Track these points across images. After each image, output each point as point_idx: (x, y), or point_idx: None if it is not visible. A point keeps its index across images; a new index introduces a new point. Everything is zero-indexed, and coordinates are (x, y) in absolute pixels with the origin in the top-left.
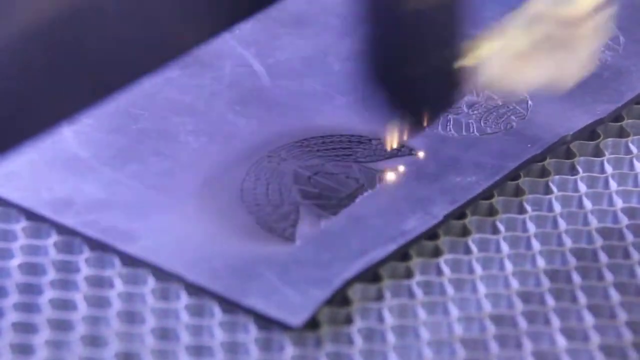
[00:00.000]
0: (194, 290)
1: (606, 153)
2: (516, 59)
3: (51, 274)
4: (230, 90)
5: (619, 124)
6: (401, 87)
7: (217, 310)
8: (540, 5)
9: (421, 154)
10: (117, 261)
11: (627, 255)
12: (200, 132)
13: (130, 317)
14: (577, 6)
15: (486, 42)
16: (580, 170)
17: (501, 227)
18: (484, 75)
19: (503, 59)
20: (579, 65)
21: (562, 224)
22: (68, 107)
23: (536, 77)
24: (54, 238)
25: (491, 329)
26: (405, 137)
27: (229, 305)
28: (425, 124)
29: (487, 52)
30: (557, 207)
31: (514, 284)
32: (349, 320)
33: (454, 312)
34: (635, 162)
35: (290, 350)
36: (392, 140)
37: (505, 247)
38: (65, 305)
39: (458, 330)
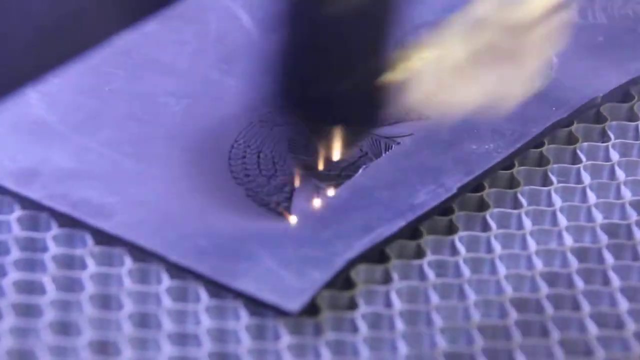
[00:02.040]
0: (177, 271)
1: None
2: (453, 73)
3: (15, 253)
4: (216, 46)
5: None
6: (316, 107)
7: (203, 293)
8: (483, 9)
9: (432, 119)
10: (89, 239)
11: None
12: (182, 94)
13: (105, 302)
14: (526, 10)
15: (418, 53)
16: (611, 136)
17: (523, 201)
18: (415, 92)
19: (438, 73)
20: (527, 80)
21: (592, 197)
22: (32, 66)
23: (476, 94)
24: (17, 213)
25: (513, 314)
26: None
27: (217, 288)
28: (344, 149)
29: (419, 64)
30: (586, 178)
31: (538, 264)
32: (352, 305)
33: (471, 295)
34: None
35: (286, 338)
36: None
37: (527, 223)
38: (32, 288)
39: (475, 316)
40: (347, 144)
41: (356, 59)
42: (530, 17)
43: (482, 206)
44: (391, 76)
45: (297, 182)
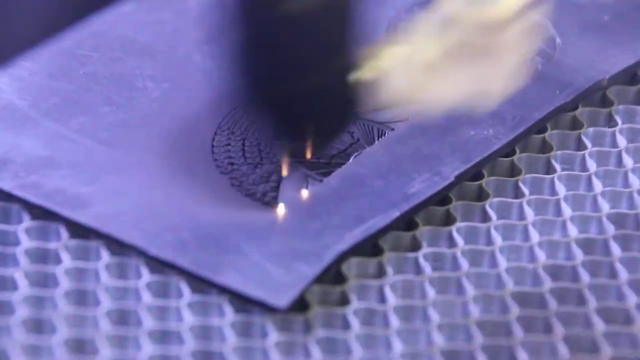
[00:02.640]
0: (157, 265)
1: None
2: (426, 71)
3: None
4: (197, 26)
5: None
6: (279, 109)
7: (185, 289)
8: (456, 5)
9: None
10: (63, 231)
11: None
12: (161, 78)
13: (81, 298)
14: (497, 8)
15: (388, 50)
16: (619, 120)
17: (525, 190)
18: (386, 92)
19: (409, 71)
20: (504, 77)
21: (598, 185)
22: (2, 48)
23: (451, 92)
24: None
25: (514, 309)
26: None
27: (200, 283)
28: (308, 154)
29: (390, 62)
30: (592, 165)
31: (541, 256)
32: (343, 301)
33: (470, 290)
34: None
35: (274, 336)
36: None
37: (529, 213)
38: (3, 284)
39: (475, 311)
40: (315, 146)
41: (322, 57)
42: (502, 14)
43: (481, 195)
44: (361, 74)
45: (284, 171)
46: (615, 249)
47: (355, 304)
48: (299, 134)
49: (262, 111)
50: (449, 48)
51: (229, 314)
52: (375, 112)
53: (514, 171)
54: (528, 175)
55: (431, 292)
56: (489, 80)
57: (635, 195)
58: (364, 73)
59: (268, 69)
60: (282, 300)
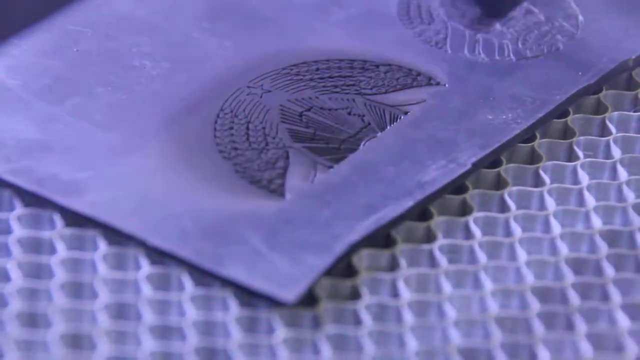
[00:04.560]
0: (158, 256)
1: None
2: None
3: None
4: (197, 1)
5: None
6: None
7: (187, 281)
8: None
9: (443, 84)
10: (58, 219)
11: None
12: (159, 56)
13: (78, 291)
14: None
15: None
16: None
17: (546, 178)
18: None
19: None
20: None
21: (623, 173)
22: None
23: None
24: None
25: (534, 305)
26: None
27: (203, 276)
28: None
29: None
30: (617, 152)
31: (563, 249)
32: (354, 295)
33: (487, 284)
34: None
35: (281, 332)
36: (406, 66)
37: (551, 203)
38: None
39: (493, 307)
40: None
41: None
42: None
43: (500, 184)
44: None
45: (291, 157)
46: None
47: (366, 298)
48: None
49: None
50: None
51: (234, 308)
52: None
53: (534, 158)
54: (549, 163)
55: (447, 286)
56: None
57: None
58: None
59: None
60: (290, 294)
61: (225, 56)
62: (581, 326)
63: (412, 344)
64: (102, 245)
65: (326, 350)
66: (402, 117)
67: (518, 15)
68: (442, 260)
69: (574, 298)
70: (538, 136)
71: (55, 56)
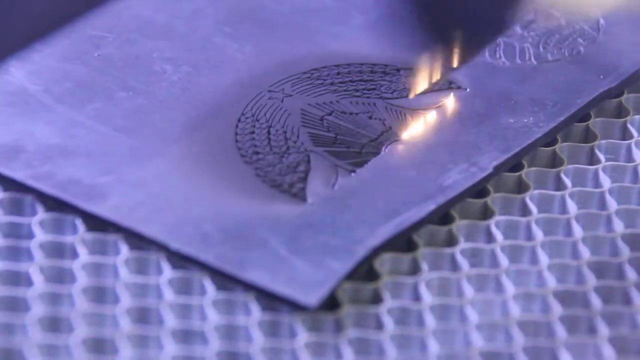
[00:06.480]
0: (179, 261)
1: None
2: None
3: None
4: (217, 6)
5: None
6: (442, 2)
7: (209, 286)
8: None
9: (464, 88)
10: (80, 224)
11: None
12: (180, 61)
13: (100, 295)
14: None
15: None
16: None
17: (567, 181)
18: None
19: None
20: None
21: None
22: (12, 32)
23: None
24: None
25: (557, 309)
26: (444, 66)
27: (224, 280)
28: (470, 51)
29: None
30: (638, 156)
31: (585, 252)
32: (376, 299)
33: (510, 288)
34: None
35: (303, 336)
36: (428, 71)
37: (572, 207)
38: (17, 279)
39: (515, 310)
40: (468, 50)
41: None
42: None
43: (521, 187)
44: None
45: (312, 161)
46: None
47: (388, 302)
48: (461, 30)
49: (426, 7)
50: None
51: (256, 312)
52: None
53: (555, 161)
54: (570, 166)
55: (469, 290)
56: None
57: None
58: None
59: None
60: (312, 298)
61: (246, 60)
62: (603, 330)
63: (433, 347)
64: (124, 250)
65: (348, 354)
66: (423, 121)
67: (539, 19)
68: (464, 264)
69: (596, 302)
70: (559, 140)
71: (76, 61)
